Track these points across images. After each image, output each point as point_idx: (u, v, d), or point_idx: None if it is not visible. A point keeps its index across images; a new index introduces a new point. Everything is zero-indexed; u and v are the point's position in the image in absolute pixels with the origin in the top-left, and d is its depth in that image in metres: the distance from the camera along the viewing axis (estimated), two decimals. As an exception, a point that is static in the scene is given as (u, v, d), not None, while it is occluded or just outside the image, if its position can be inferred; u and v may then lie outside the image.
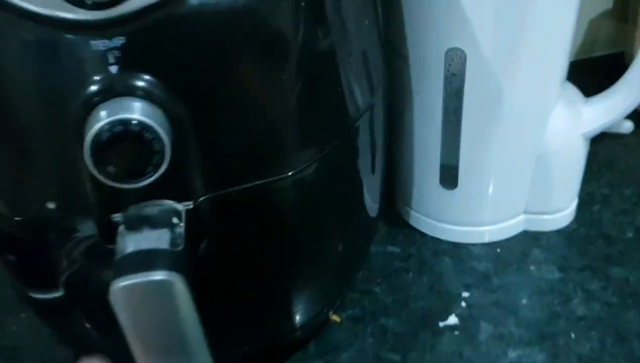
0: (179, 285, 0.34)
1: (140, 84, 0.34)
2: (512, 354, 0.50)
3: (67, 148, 0.35)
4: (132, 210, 0.37)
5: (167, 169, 0.35)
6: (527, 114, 0.52)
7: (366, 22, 0.44)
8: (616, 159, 0.65)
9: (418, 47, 0.51)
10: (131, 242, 0.36)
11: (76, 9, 0.33)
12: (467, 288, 0.55)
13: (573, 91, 0.56)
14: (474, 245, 0.58)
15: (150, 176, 0.35)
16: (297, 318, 0.49)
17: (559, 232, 0.59)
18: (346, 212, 0.48)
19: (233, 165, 0.39)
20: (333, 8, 0.40)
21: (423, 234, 0.60)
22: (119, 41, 0.33)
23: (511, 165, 0.55)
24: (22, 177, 0.38)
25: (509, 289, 0.54)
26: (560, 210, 0.58)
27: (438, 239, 0.59)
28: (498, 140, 0.53)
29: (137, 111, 0.34)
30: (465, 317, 0.53)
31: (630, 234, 0.58)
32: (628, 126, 0.58)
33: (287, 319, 0.49)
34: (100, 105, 0.34)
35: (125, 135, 0.33)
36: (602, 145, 0.61)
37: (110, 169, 0.34)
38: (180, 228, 0.37)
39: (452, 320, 0.52)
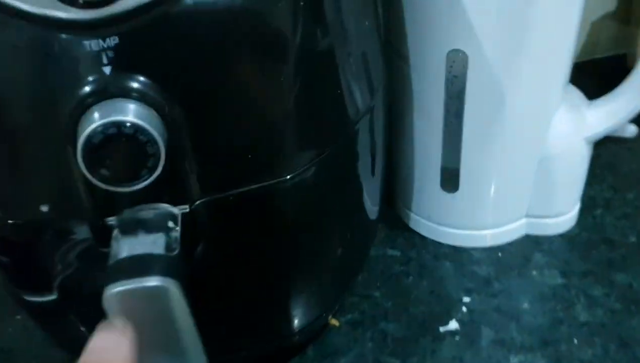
0: (174, 291, 0.34)
1: (134, 85, 0.33)
2: (514, 360, 0.49)
3: (60, 150, 0.35)
4: (127, 213, 0.37)
5: (162, 172, 0.34)
6: (530, 117, 0.52)
7: (366, 22, 0.43)
8: (619, 162, 0.65)
9: (419, 48, 0.51)
10: (125, 246, 0.35)
11: (68, 7, 0.32)
12: (468, 292, 0.54)
13: (576, 94, 0.55)
14: (475, 249, 0.58)
15: (145, 179, 0.34)
16: (296, 322, 0.48)
17: (561, 236, 0.58)
18: (345, 215, 0.48)
19: (230, 168, 0.38)
20: (332, 8, 0.39)
21: (423, 237, 0.59)
22: (112, 41, 0.33)
23: (513, 168, 0.54)
24: (15, 180, 0.37)
25: (511, 294, 0.54)
26: (562, 214, 0.58)
27: (438, 243, 0.59)
28: (500, 143, 0.52)
29: (130, 113, 0.33)
30: (466, 322, 0.52)
31: (633, 239, 0.57)
32: (632, 130, 0.57)
33: (286, 323, 0.48)
34: (93, 107, 0.33)
35: (118, 137, 0.33)
36: (604, 148, 0.60)
37: (104, 172, 0.34)
38: (176, 232, 0.37)
39: (453, 325, 0.52)
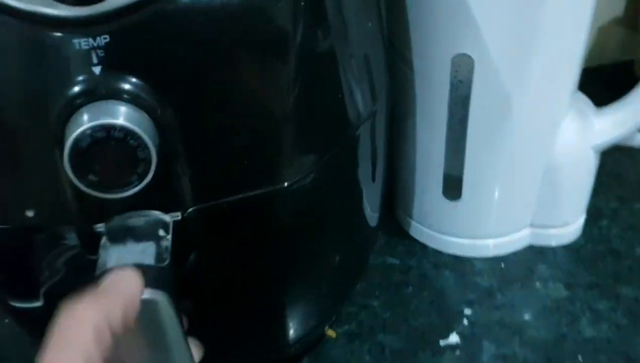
0: (164, 304, 0.32)
1: (125, 86, 0.32)
2: (516, 377, 0.47)
3: (46, 153, 0.33)
4: (116, 220, 0.35)
5: (153, 178, 0.33)
6: (536, 125, 0.50)
7: (369, 24, 0.42)
8: (626, 172, 0.63)
9: (423, 51, 0.49)
10: (114, 256, 0.34)
11: (58, 4, 0.30)
12: (470, 304, 0.53)
13: (584, 101, 0.54)
14: (477, 259, 0.56)
15: (135, 186, 0.33)
16: (292, 333, 0.47)
17: (566, 247, 0.56)
18: (344, 222, 0.46)
19: (225, 174, 0.36)
20: (334, 9, 0.37)
21: (424, 246, 0.58)
22: (102, 40, 0.31)
23: (518, 177, 0.53)
24: (-1, 183, 0.35)
25: (514, 307, 0.52)
26: (567, 225, 0.56)
27: (439, 252, 0.57)
28: (505, 151, 0.51)
29: (121, 116, 0.31)
30: (467, 335, 0.50)
31: (640, 251, 0.56)
32: (640, 139, 0.55)
33: (281, 334, 0.47)
34: (82, 109, 0.31)
35: (107, 141, 0.31)
36: (611, 157, 0.59)
37: (92, 177, 0.32)
38: (167, 241, 0.35)
39: (453, 338, 0.50)
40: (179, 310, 0.33)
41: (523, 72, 0.47)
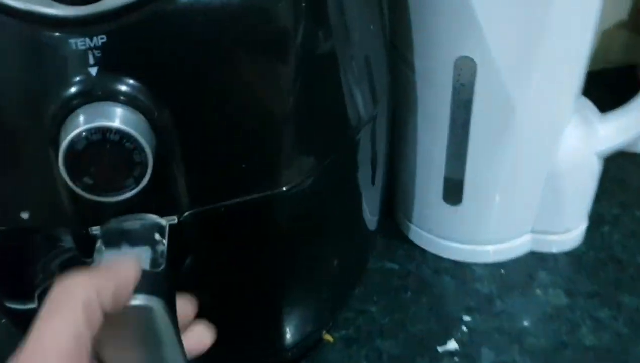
0: (159, 311, 0.31)
1: (122, 87, 0.31)
2: (515, 385, 0.47)
3: (41, 154, 0.32)
4: (112, 224, 0.35)
5: (149, 182, 0.32)
6: (540, 130, 0.50)
7: (370, 26, 0.41)
8: (628, 178, 0.63)
9: (425, 53, 0.49)
10: (108, 260, 0.33)
11: (54, 3, 0.30)
12: (469, 311, 0.52)
13: (588, 107, 0.53)
14: (477, 264, 0.56)
15: (131, 189, 0.32)
16: (289, 337, 0.46)
17: (567, 254, 0.56)
18: (343, 227, 0.46)
19: (223, 178, 0.36)
20: (335, 10, 0.37)
21: (423, 251, 0.57)
22: (99, 40, 0.30)
23: (520, 182, 0.52)
24: (-7, 184, 0.35)
25: (513, 314, 0.52)
26: (569, 231, 0.56)
27: (439, 257, 0.57)
28: (507, 156, 0.50)
29: (117, 118, 0.31)
30: (466, 342, 0.50)
31: (641, 259, 0.55)
32: (645, 145, 0.55)
33: (279, 338, 0.46)
34: (78, 110, 0.31)
35: (103, 144, 0.30)
36: (613, 162, 0.58)
37: (87, 180, 0.31)
38: (163, 245, 0.34)
39: (452, 345, 0.50)
40: (175, 315, 0.33)
41: (526, 76, 0.47)
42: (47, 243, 0.37)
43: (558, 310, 0.52)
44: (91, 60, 0.31)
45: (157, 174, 0.32)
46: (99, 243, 0.34)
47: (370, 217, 0.48)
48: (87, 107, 0.31)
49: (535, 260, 0.56)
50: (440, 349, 0.50)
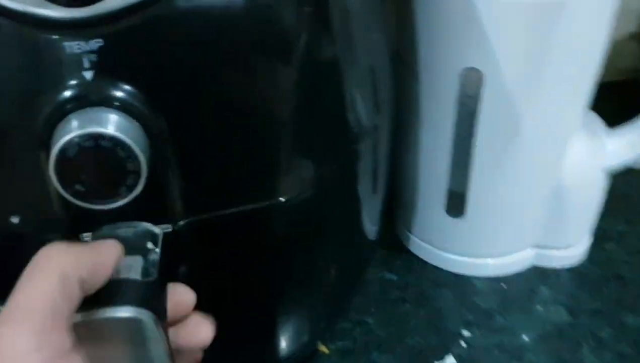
0: (149, 324, 0.30)
1: (117, 93, 0.30)
2: (513, 404, 0.46)
3: (32, 159, 0.31)
4: (104, 230, 0.34)
5: (143, 190, 0.31)
6: (546, 143, 0.49)
7: (374, 35, 0.40)
8: (634, 193, 0.62)
9: (431, 63, 0.48)
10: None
11: (51, 5, 0.29)
12: (468, 326, 0.51)
13: (595, 121, 0.52)
14: (478, 278, 0.55)
15: (123, 198, 0.31)
16: (284, 348, 0.46)
17: (569, 270, 0.55)
18: (342, 237, 0.45)
19: (219, 187, 0.35)
20: (338, 18, 0.36)
21: (424, 262, 0.56)
22: (95, 44, 0.30)
23: (524, 196, 0.51)
24: (-17, 187, 0.34)
25: (514, 330, 0.51)
26: (572, 246, 0.55)
27: (439, 269, 0.56)
28: (512, 169, 0.49)
29: (111, 124, 0.30)
30: (465, 358, 0.49)
31: (646, 277, 0.54)
32: (653, 161, 0.54)
33: (273, 349, 0.45)
34: (71, 115, 0.30)
35: (95, 151, 0.30)
36: (620, 177, 0.57)
37: (78, 187, 0.31)
38: (155, 254, 0.33)
39: (450, 360, 0.49)
40: (166, 327, 0.32)
41: (534, 89, 0.46)
42: (36, 248, 0.36)
43: (559, 327, 0.51)
44: (86, 64, 0.30)
45: (151, 182, 0.31)
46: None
47: (370, 227, 0.48)
48: (80, 112, 0.30)
49: (537, 275, 0.55)
50: (437, 364, 0.49)
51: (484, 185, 0.50)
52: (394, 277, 0.55)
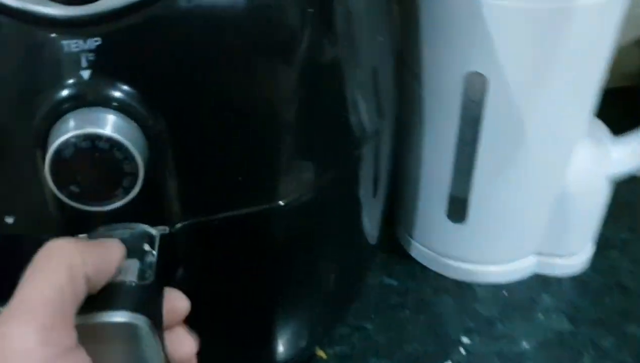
0: (144, 329, 0.30)
1: (115, 93, 0.30)
2: (512, 413, 0.45)
3: (28, 159, 0.31)
4: (99, 232, 0.33)
5: (140, 192, 0.31)
6: (550, 150, 0.48)
7: (378, 38, 0.40)
8: (637, 201, 0.61)
9: (435, 67, 0.47)
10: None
11: (49, 2, 0.29)
12: (468, 333, 0.50)
13: (600, 128, 0.51)
14: (479, 285, 0.54)
15: (119, 200, 0.31)
16: (281, 353, 0.45)
17: (572, 278, 0.54)
18: (342, 242, 0.44)
19: (218, 190, 0.35)
20: (341, 20, 0.35)
21: (424, 268, 0.56)
22: (93, 42, 0.29)
23: (527, 203, 0.50)
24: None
25: (514, 338, 0.50)
26: (575, 254, 0.54)
27: (440, 275, 0.55)
28: (516, 175, 0.48)
29: (108, 125, 0.29)
30: (464, 365, 0.48)
31: (650, 287, 0.53)
32: (659, 169, 0.53)
33: (270, 354, 0.45)
34: (67, 115, 0.29)
35: (92, 152, 0.29)
36: (624, 185, 0.56)
37: (73, 188, 0.30)
38: (152, 256, 0.33)
39: (449, 368, 0.48)
40: (161, 332, 0.31)
41: (539, 95, 0.45)
42: (31, 249, 0.36)
43: (560, 336, 0.50)
44: (84, 63, 0.29)
45: (148, 184, 0.31)
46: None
47: (370, 231, 0.47)
48: (77, 112, 0.29)
49: (539, 283, 0.54)
50: (437, 372, 0.48)
51: (487, 191, 0.50)
52: (394, 282, 0.55)
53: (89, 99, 0.29)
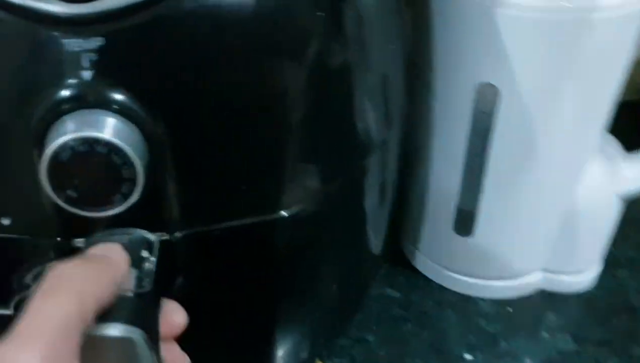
0: (140, 342, 0.28)
1: (116, 95, 0.29)
2: None
3: (25, 160, 0.30)
4: (97, 236, 0.32)
5: (139, 199, 0.30)
6: (561, 165, 0.47)
7: (390, 44, 0.39)
8: (647, 219, 0.60)
9: (446, 76, 0.46)
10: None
11: (52, 0, 0.27)
12: (471, 349, 0.49)
13: (612, 144, 0.50)
14: (484, 300, 0.53)
15: (117, 206, 0.30)
16: (281, 363, 0.44)
17: (578, 296, 0.53)
18: (345, 253, 0.43)
19: (220, 198, 0.34)
20: (351, 24, 0.34)
21: (428, 280, 0.55)
22: (96, 42, 0.28)
23: (536, 218, 0.49)
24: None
25: (517, 356, 0.49)
26: (582, 272, 0.53)
27: (444, 288, 0.54)
28: (524, 189, 0.47)
29: (107, 129, 0.28)
30: (466, 382, 0.47)
31: (658, 308, 0.52)
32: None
33: (270, 364, 0.44)
34: (66, 116, 0.29)
35: (90, 156, 0.28)
36: (633, 202, 0.55)
37: (70, 192, 0.29)
38: (150, 263, 0.32)
39: (451, 385, 0.47)
40: (157, 344, 0.30)
41: (551, 108, 0.44)
42: (27, 251, 0.35)
43: (564, 356, 0.49)
44: (85, 64, 0.28)
45: (148, 191, 0.30)
46: (81, 257, 0.32)
47: (375, 242, 0.46)
48: (76, 113, 0.28)
49: (544, 300, 0.53)
50: (437, 388, 0.47)
51: (495, 204, 0.49)
52: (397, 294, 0.54)
53: (88, 100, 0.29)
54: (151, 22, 0.28)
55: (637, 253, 0.57)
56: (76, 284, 0.26)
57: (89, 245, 0.32)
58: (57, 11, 0.28)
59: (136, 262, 0.31)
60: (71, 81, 0.28)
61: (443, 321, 0.52)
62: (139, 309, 0.30)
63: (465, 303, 0.53)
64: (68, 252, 0.32)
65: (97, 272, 0.28)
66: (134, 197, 0.29)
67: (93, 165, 0.28)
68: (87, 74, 0.28)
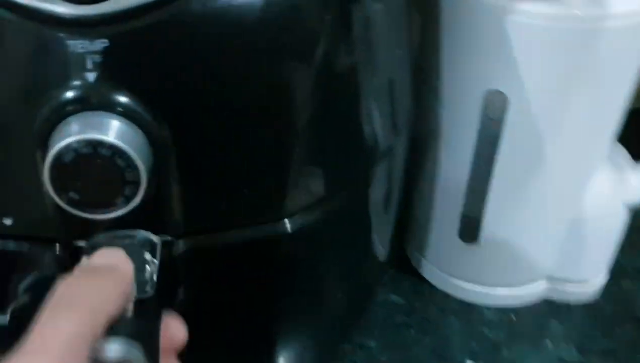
0: (139, 361, 0.28)
1: (120, 98, 0.29)
2: None
3: (28, 160, 0.30)
4: (100, 238, 0.32)
5: (141, 202, 0.29)
6: (568, 173, 0.47)
7: (398, 50, 0.38)
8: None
9: (454, 82, 0.46)
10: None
11: (57, 1, 0.27)
12: (473, 356, 0.49)
13: (621, 153, 0.50)
14: (487, 307, 0.53)
15: (120, 208, 0.30)
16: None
17: (583, 305, 0.53)
18: (350, 260, 0.43)
19: (223, 202, 0.33)
20: (359, 29, 0.34)
21: (432, 287, 0.54)
22: (100, 44, 0.28)
23: (541, 226, 0.49)
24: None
25: (520, 365, 0.48)
26: (587, 281, 0.52)
27: (447, 295, 0.54)
28: (531, 197, 0.47)
29: (111, 131, 0.28)
30: (467, 390, 0.47)
31: (663, 319, 0.52)
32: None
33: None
34: (69, 118, 0.28)
35: (93, 158, 0.28)
36: (639, 211, 0.55)
37: (73, 194, 0.29)
38: (153, 266, 0.31)
39: (453, 392, 0.47)
40: (157, 360, 0.29)
41: (560, 116, 0.44)
42: (28, 253, 0.34)
43: (568, 366, 0.49)
44: (89, 65, 0.28)
45: (151, 194, 0.29)
46: (84, 259, 0.31)
47: (380, 249, 0.46)
48: (80, 115, 0.28)
49: (548, 309, 0.53)
50: (439, 396, 0.47)
51: (501, 212, 0.48)
52: (401, 300, 0.53)
53: (92, 102, 0.28)
54: (156, 24, 0.28)
55: (643, 263, 0.56)
56: (88, 300, 0.26)
57: (91, 246, 0.32)
58: (62, 12, 0.27)
59: (139, 265, 0.31)
60: (75, 83, 0.28)
61: (446, 328, 0.51)
62: (139, 323, 0.29)
63: (469, 310, 0.53)
64: (72, 252, 0.32)
65: (108, 288, 0.27)
66: (137, 200, 0.29)
67: (96, 167, 0.28)
68: (91, 76, 0.28)
